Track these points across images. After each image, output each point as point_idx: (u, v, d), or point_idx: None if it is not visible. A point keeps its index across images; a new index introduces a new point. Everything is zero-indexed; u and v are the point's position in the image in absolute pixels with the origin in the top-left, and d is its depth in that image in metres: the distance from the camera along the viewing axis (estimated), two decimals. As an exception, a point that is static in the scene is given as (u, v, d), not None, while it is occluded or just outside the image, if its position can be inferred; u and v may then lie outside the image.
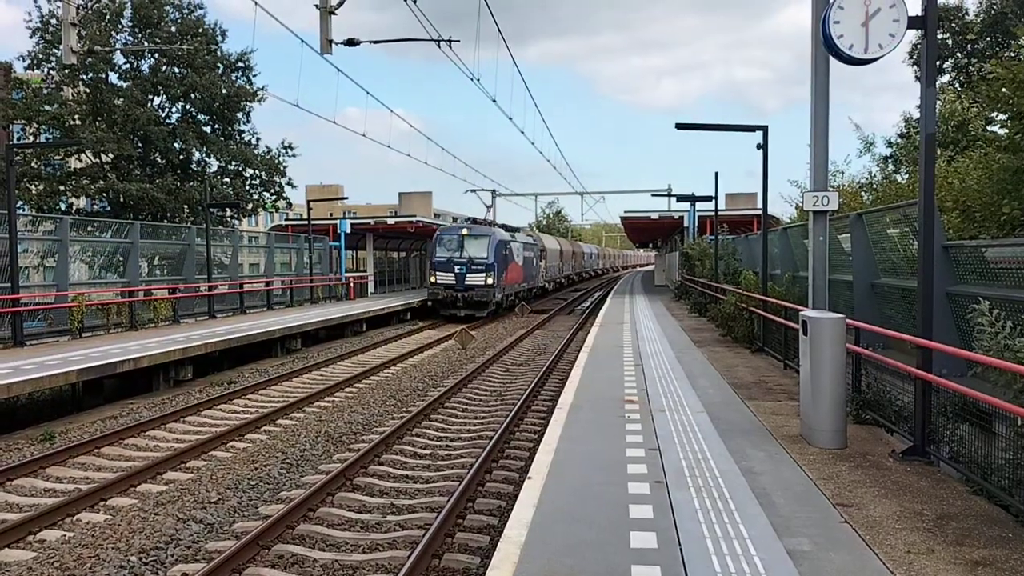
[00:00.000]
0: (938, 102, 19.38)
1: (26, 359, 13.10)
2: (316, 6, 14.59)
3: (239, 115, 34.91)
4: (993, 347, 5.64)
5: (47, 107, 31.06)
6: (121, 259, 21.01)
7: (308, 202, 32.59)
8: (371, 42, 17.82)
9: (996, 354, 5.56)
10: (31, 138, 32.19)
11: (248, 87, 34.79)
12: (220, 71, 33.83)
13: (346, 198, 60.08)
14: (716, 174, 23.99)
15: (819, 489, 5.90)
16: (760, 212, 15.84)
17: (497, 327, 26.83)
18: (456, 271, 28.24)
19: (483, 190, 37.11)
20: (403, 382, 15.24)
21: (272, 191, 36.45)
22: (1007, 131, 12.02)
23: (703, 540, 4.90)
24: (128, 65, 32.87)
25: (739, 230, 29.27)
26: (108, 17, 31.39)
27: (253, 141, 35.95)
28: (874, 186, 25.54)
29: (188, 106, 33.70)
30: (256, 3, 14.70)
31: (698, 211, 31.73)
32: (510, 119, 32.28)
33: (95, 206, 35.24)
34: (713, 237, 23.54)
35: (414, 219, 36.44)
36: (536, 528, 5.13)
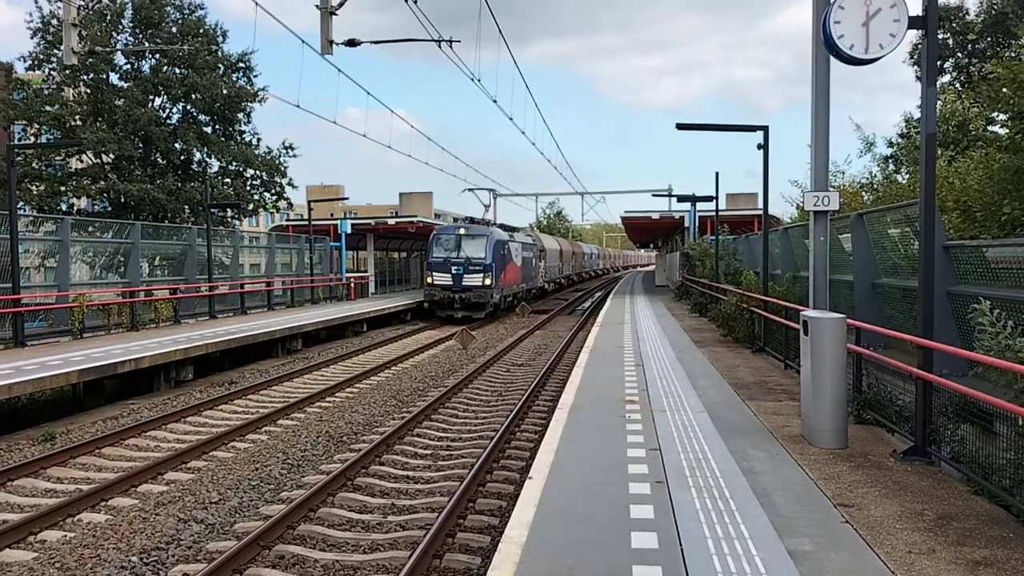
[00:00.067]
0: (939, 102, 19.36)
1: (27, 359, 13.10)
2: (317, 6, 14.60)
3: (240, 115, 34.91)
4: (994, 347, 5.64)
5: (48, 108, 31.08)
6: (122, 259, 21.03)
7: (309, 202, 32.61)
8: (372, 42, 17.82)
9: (997, 354, 5.56)
10: (32, 139, 32.18)
11: (249, 87, 34.80)
12: (221, 72, 33.83)
13: (347, 198, 60.10)
14: (717, 174, 24.06)
15: (820, 489, 5.90)
16: (761, 212, 15.84)
17: (498, 327, 26.82)
18: (453, 271, 27.81)
19: (481, 189, 36.79)
20: (404, 382, 15.25)
21: (273, 191, 36.45)
22: (1008, 131, 12.01)
23: (704, 540, 4.89)
24: (129, 66, 32.88)
25: (740, 230, 29.24)
26: (109, 18, 31.39)
27: (254, 141, 35.97)
28: (875, 186, 25.53)
29: (189, 106, 33.71)
30: (257, 3, 14.71)
31: (699, 211, 31.70)
32: (511, 119, 32.53)
33: (96, 207, 35.26)
34: (714, 237, 23.54)
35: (415, 219, 36.43)
36: (537, 528, 5.13)
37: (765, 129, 14.28)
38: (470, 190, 36.45)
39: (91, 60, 29.47)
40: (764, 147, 14.27)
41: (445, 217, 62.79)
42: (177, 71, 32.72)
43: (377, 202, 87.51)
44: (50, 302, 17.35)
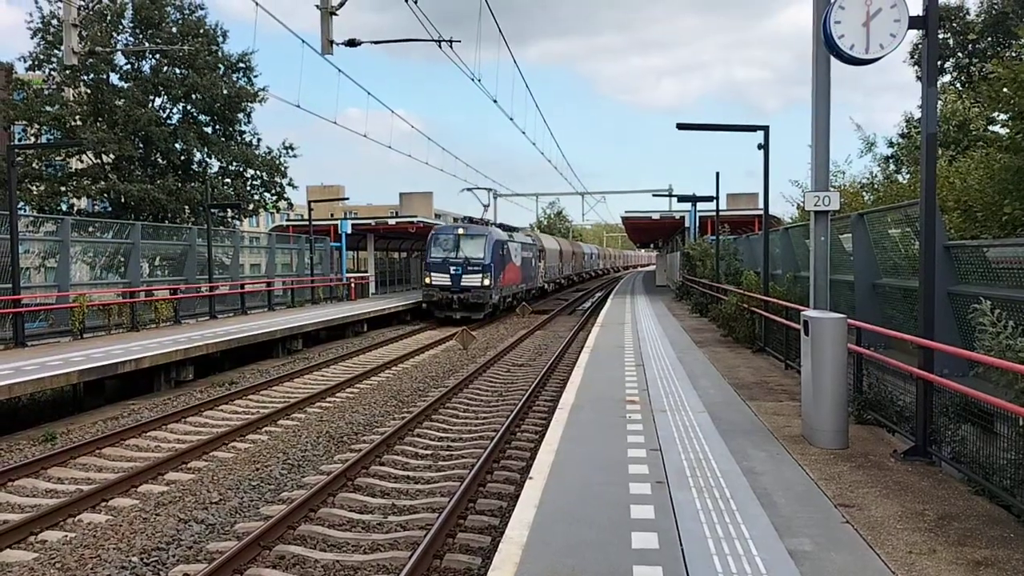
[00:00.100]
0: (939, 102, 19.37)
1: (27, 360, 13.10)
2: (317, 7, 14.61)
3: (240, 116, 34.92)
4: (995, 347, 5.63)
5: (48, 108, 31.09)
6: (122, 260, 21.03)
7: (309, 203, 32.61)
8: (372, 43, 17.83)
9: (998, 354, 5.55)
10: (32, 139, 32.19)
11: (249, 88, 34.81)
12: (221, 72, 33.84)
13: (347, 199, 60.14)
14: (717, 174, 24.02)
15: (820, 489, 5.89)
16: (761, 212, 15.85)
17: (498, 328, 26.82)
18: (452, 272, 27.39)
19: (480, 188, 36.59)
20: (404, 382, 15.24)
21: (273, 192, 36.46)
22: (1008, 131, 12.00)
23: (704, 540, 4.89)
24: (129, 66, 32.89)
25: (740, 230, 29.23)
26: (109, 18, 31.41)
27: (254, 142, 35.97)
28: (875, 186, 25.51)
29: (189, 107, 33.72)
30: (257, 3, 14.72)
31: (699, 211, 31.70)
32: (511, 119, 32.53)
33: (96, 207, 35.28)
34: (714, 237, 23.53)
35: (415, 219, 36.42)
36: (537, 528, 5.12)
37: (765, 129, 14.29)
38: (468, 189, 36.18)
39: (91, 60, 29.48)
40: (764, 147, 14.27)
41: (445, 217, 62.80)
42: (177, 71, 32.73)
43: (377, 202, 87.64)
44: (50, 302, 17.35)
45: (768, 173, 14.51)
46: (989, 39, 26.91)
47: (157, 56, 32.64)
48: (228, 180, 35.12)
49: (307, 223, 31.82)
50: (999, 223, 10.67)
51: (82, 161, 32.90)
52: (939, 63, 23.37)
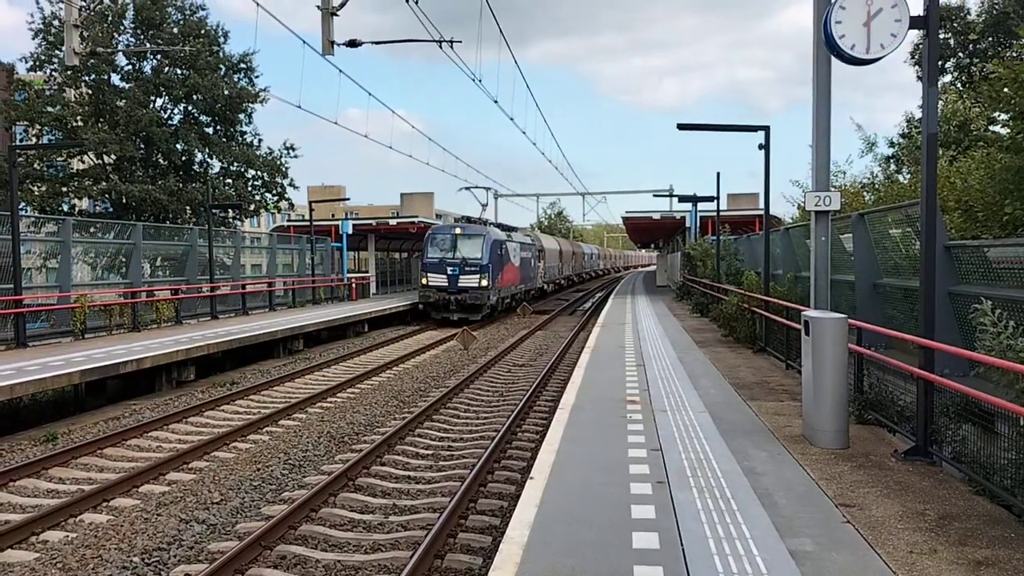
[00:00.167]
0: (940, 102, 19.35)
1: (29, 360, 13.11)
2: (318, 7, 14.61)
3: (241, 116, 34.99)
4: (995, 347, 5.64)
5: (49, 108, 31.14)
6: (124, 260, 21.05)
7: (310, 203, 32.63)
8: (373, 43, 17.86)
9: (998, 354, 5.56)
10: (34, 140, 32.26)
11: (250, 88, 34.86)
12: (222, 72, 33.89)
13: (348, 199, 60.23)
14: (718, 174, 24.02)
15: (821, 489, 5.90)
16: (762, 212, 15.85)
17: (499, 328, 26.81)
18: (449, 272, 26.70)
19: (478, 188, 36.24)
20: (405, 383, 15.25)
21: (274, 192, 36.51)
22: (1009, 131, 12.00)
23: (705, 540, 4.90)
24: (130, 66, 32.94)
25: (741, 230, 29.24)
26: (110, 18, 31.45)
27: (255, 142, 36.04)
28: (876, 186, 25.49)
29: (190, 107, 33.76)
30: (258, 4, 14.74)
31: (700, 211, 31.70)
32: (511, 120, 32.41)
33: (97, 207, 35.35)
34: (715, 237, 23.54)
35: (416, 220, 36.40)
36: (538, 528, 5.13)
37: (766, 129, 14.29)
38: (467, 188, 35.75)
39: (92, 61, 29.52)
40: (765, 147, 14.28)
41: (446, 217, 62.79)
42: (178, 72, 32.77)
43: (378, 203, 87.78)
44: (52, 303, 17.36)
45: (769, 173, 14.52)
46: (990, 39, 26.89)
47: (158, 57, 32.68)
48: (229, 180, 35.17)
49: (308, 223, 31.84)
50: (1000, 223, 10.67)
51: (83, 162, 32.95)
52: (940, 63, 23.33)
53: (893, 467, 6.49)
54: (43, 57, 31.44)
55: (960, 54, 28.26)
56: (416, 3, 15.18)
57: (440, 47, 17.16)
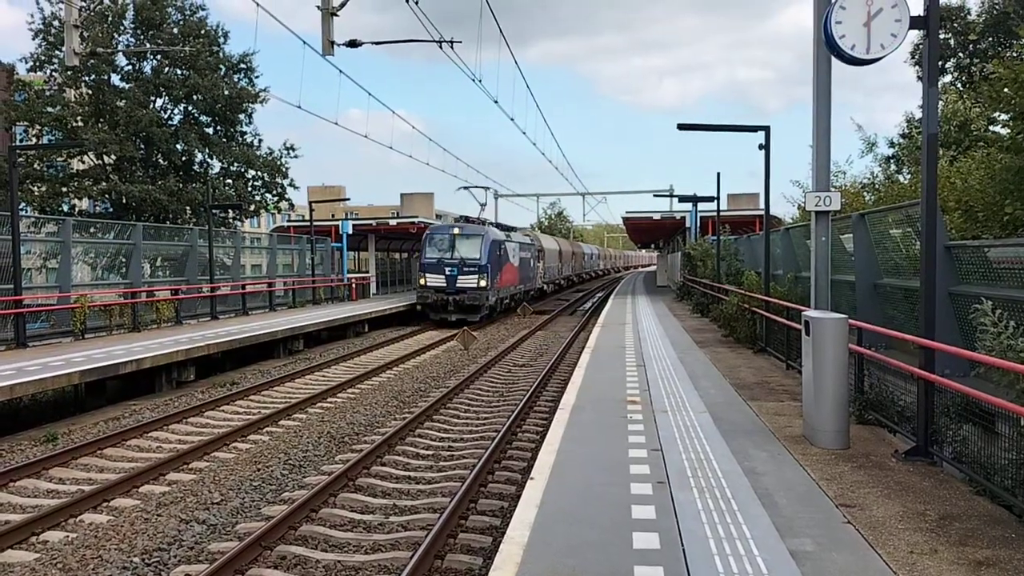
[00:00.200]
0: (940, 102, 19.35)
1: (29, 360, 13.11)
2: (318, 7, 14.62)
3: (241, 116, 35.01)
4: (996, 347, 5.63)
5: (49, 109, 31.15)
6: (124, 260, 21.05)
7: (310, 203, 32.63)
8: (373, 43, 17.87)
9: (999, 354, 5.56)
10: (34, 140, 32.27)
11: (250, 88, 34.87)
12: (222, 73, 33.90)
13: (348, 199, 60.25)
14: (718, 174, 24.03)
15: (822, 490, 5.89)
16: (762, 212, 15.85)
17: (499, 328, 26.80)
18: (447, 273, 26.31)
19: (476, 187, 35.99)
20: (405, 383, 15.25)
21: (274, 192, 36.51)
22: (1009, 131, 12.01)
23: (706, 541, 4.89)
24: (130, 67, 32.96)
25: (741, 230, 29.25)
26: (110, 19, 31.46)
27: (255, 142, 36.05)
28: (876, 186, 25.48)
29: (190, 107, 33.77)
30: (258, 4, 14.74)
31: (700, 211, 31.70)
32: (512, 120, 32.28)
33: (97, 207, 35.35)
34: (715, 237, 23.54)
35: (416, 220, 36.39)
36: (539, 529, 5.13)
37: (766, 129, 14.29)
38: (465, 188, 35.46)
39: (92, 61, 29.53)
40: (765, 147, 14.28)
41: (446, 218, 62.73)
42: (178, 72, 32.78)
43: (378, 203, 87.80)
44: (52, 303, 17.36)
45: (769, 173, 14.51)
46: (990, 39, 26.89)
47: (158, 57, 32.70)
48: (229, 181, 35.19)
49: (308, 224, 31.84)
50: (1000, 223, 10.67)
51: (83, 162, 32.97)
52: (940, 63, 23.33)
53: (894, 467, 6.49)
54: (43, 57, 31.45)
55: (960, 54, 28.27)
56: (416, 3, 15.18)
57: (440, 47, 17.17)
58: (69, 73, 30.35)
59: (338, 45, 15.05)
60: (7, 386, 10.84)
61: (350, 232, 36.39)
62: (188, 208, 32.58)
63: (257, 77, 35.69)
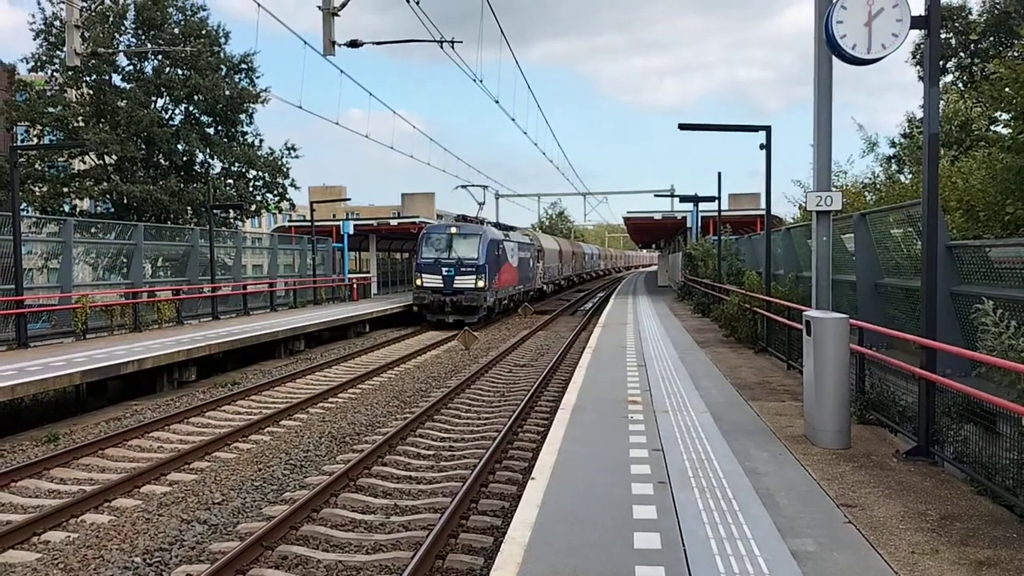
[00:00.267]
0: (941, 102, 19.34)
1: (30, 361, 13.12)
2: (319, 7, 14.62)
3: (242, 117, 35.04)
4: (997, 347, 5.63)
5: (51, 109, 31.18)
6: (125, 261, 21.06)
7: (311, 203, 32.63)
8: (374, 43, 17.86)
9: (1000, 354, 5.55)
10: (35, 140, 32.30)
11: (251, 89, 34.90)
12: (223, 73, 33.93)
13: (349, 199, 60.21)
14: (719, 174, 23.98)
15: (823, 489, 5.89)
16: (763, 212, 15.84)
17: (500, 328, 26.80)
18: (444, 273, 25.82)
19: (474, 186, 35.66)
20: (406, 383, 15.25)
21: (275, 192, 36.54)
22: (1011, 131, 11.98)
23: (707, 541, 4.89)
24: (131, 67, 32.99)
25: (742, 230, 29.23)
26: (111, 19, 31.50)
27: (256, 143, 36.09)
28: (877, 186, 25.46)
29: (191, 108, 33.81)
30: (259, 4, 14.75)
31: (701, 211, 31.69)
32: (512, 120, 32.13)
33: (99, 208, 35.38)
34: (716, 237, 23.53)
35: (417, 220, 36.40)
36: (540, 529, 5.13)
37: (767, 129, 14.29)
38: (463, 187, 35.14)
39: (94, 61, 29.57)
40: (766, 147, 14.27)
41: (447, 217, 62.74)
42: (179, 72, 32.82)
43: (379, 203, 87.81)
44: (53, 303, 17.37)
45: (770, 173, 14.51)
46: (991, 39, 26.87)
47: (159, 57, 32.73)
48: (230, 181, 35.21)
49: (309, 224, 31.85)
50: (1001, 223, 10.66)
51: (84, 162, 33.00)
52: (941, 63, 23.31)
53: (895, 467, 6.49)
54: (44, 58, 31.49)
55: (961, 54, 28.25)
56: (417, 3, 15.19)
57: (441, 47, 17.17)
58: (70, 73, 30.39)
59: (339, 45, 15.05)
60: (8, 386, 10.85)
61: (351, 232, 36.40)
62: (189, 208, 32.62)
63: (258, 77, 35.77)
